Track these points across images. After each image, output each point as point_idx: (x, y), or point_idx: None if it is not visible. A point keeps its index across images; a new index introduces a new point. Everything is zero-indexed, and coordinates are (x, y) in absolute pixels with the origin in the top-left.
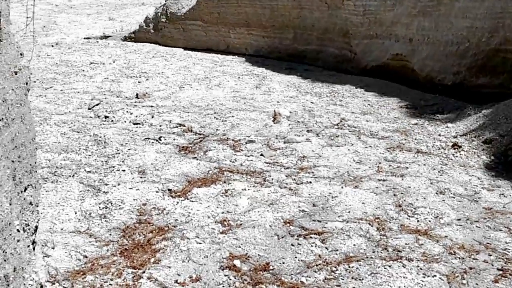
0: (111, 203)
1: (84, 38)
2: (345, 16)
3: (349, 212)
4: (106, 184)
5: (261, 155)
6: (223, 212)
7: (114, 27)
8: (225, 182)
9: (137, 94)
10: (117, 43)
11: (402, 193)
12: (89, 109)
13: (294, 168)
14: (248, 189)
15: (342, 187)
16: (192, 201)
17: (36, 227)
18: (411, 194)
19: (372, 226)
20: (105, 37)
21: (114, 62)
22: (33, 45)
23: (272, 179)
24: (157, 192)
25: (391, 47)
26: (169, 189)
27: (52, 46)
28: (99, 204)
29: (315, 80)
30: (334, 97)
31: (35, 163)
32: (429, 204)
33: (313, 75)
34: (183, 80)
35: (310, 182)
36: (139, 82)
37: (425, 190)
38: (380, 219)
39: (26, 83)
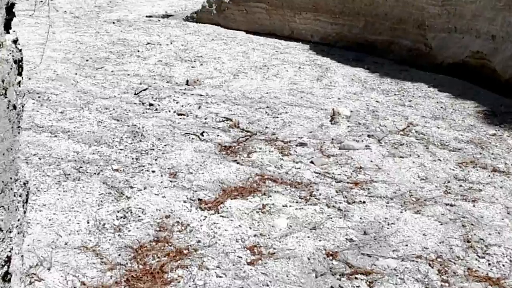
0: (131, 212)
1: (146, 16)
2: (422, 5)
3: (406, 245)
4: (131, 187)
5: (311, 162)
6: (255, 235)
7: (180, 5)
8: (264, 194)
9: (187, 81)
10: (178, 23)
11: (472, 224)
12: (135, 94)
13: (347, 182)
14: (290, 206)
15: (401, 211)
16: (223, 217)
17: (8, 257)
18: (483, 226)
19: (432, 267)
20: (167, 16)
21: (171, 43)
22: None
23: (320, 195)
24: (185, 202)
25: (471, 43)
26: (199, 199)
27: (113, 23)
28: (117, 212)
29: (383, 75)
30: (403, 96)
31: (12, 178)
32: (504, 241)
33: (381, 69)
34: (239, 67)
35: (364, 202)
36: (192, 67)
37: (500, 222)
38: (443, 259)
39: (2, 81)
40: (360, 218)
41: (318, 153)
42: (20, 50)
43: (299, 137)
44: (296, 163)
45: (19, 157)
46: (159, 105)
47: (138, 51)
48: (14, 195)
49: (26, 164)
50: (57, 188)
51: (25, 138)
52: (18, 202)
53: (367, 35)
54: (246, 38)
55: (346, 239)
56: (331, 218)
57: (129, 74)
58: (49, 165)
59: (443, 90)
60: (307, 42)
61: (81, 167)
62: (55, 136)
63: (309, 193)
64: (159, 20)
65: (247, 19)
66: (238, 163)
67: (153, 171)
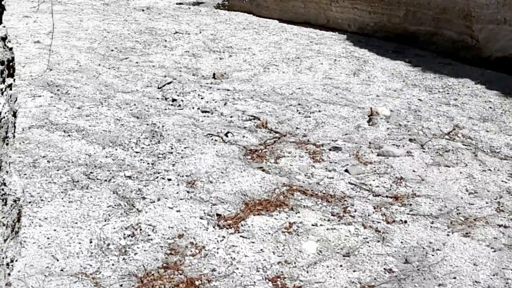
0: (140, 230)
1: (177, 4)
2: None
3: (454, 278)
4: (144, 198)
5: (346, 171)
6: (279, 262)
7: None
8: (292, 210)
9: (214, 74)
10: (209, 10)
11: None
12: (158, 88)
13: (387, 196)
14: (320, 225)
15: (448, 234)
16: (243, 237)
17: None
18: None
19: None
20: (198, 3)
21: (200, 32)
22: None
23: (355, 211)
24: (201, 218)
25: None
26: (217, 214)
27: (143, 10)
28: (125, 229)
29: (426, 70)
30: (447, 94)
31: None
32: None
33: (424, 63)
34: (270, 59)
35: (405, 222)
36: (220, 58)
37: None
38: None
39: None
40: (401, 242)
41: (353, 160)
42: (11, 49)
43: (333, 140)
44: (329, 171)
45: (7, 172)
46: (182, 100)
47: (165, 40)
48: None
49: (34, 167)
50: (62, 198)
51: (36, 138)
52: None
53: (408, 25)
54: (279, 27)
55: (385, 269)
56: (368, 242)
57: (154, 65)
58: (57, 170)
59: (491, 87)
60: (344, 32)
61: (91, 172)
62: (69, 135)
63: (343, 209)
64: (189, 8)
65: (280, 7)
66: (264, 170)
67: (169, 179)
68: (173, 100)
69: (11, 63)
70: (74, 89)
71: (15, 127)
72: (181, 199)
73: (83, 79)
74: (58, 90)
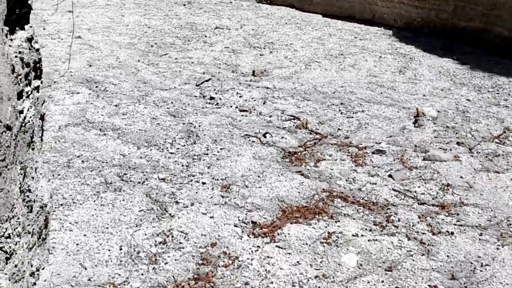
0: (172, 237)
1: None
2: None
3: None
4: (177, 202)
5: (390, 176)
6: (316, 276)
7: None
8: (332, 218)
9: (253, 71)
10: (251, 4)
11: None
12: (196, 85)
13: (432, 205)
14: (362, 235)
15: (497, 247)
16: (279, 248)
17: None
18: None
19: None
20: None
21: (241, 27)
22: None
23: (399, 221)
24: (235, 226)
25: None
26: (253, 222)
27: (184, 5)
28: (157, 235)
29: (474, 68)
30: (497, 94)
31: (5, 216)
32: None
33: (473, 61)
34: (312, 55)
35: (452, 233)
36: (261, 55)
37: None
38: None
39: None
40: (447, 256)
41: (398, 164)
42: (38, 50)
43: (376, 143)
44: (372, 176)
45: (32, 177)
46: (220, 99)
47: (205, 36)
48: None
49: (68, 167)
50: (94, 201)
51: (72, 136)
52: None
53: (456, 21)
54: (322, 22)
55: (429, 286)
56: (412, 255)
57: (193, 62)
58: (91, 171)
59: None
60: (390, 28)
61: (125, 174)
62: (104, 134)
63: (386, 218)
64: (231, 2)
65: (324, 1)
66: (302, 174)
67: (204, 183)
68: (211, 98)
69: (38, 65)
70: (112, 86)
71: (43, 130)
72: (215, 204)
73: (122, 75)
74: (96, 86)
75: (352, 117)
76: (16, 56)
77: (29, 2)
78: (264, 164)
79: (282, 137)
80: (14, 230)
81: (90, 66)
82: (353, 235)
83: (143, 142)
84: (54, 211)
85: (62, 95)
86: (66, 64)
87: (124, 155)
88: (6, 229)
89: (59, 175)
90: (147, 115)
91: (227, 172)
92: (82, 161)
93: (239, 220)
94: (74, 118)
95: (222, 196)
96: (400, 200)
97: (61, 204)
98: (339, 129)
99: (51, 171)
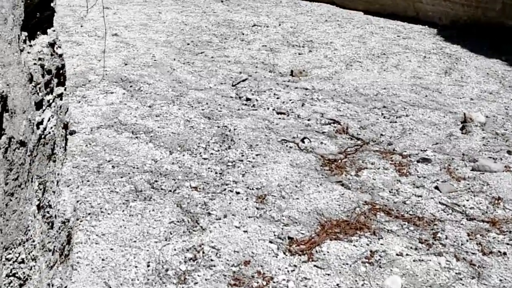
0: (203, 252)
1: None
2: None
3: None
4: (209, 214)
5: (436, 188)
6: None
7: None
8: (374, 234)
9: (292, 71)
10: (290, 1)
11: None
12: (232, 85)
13: (483, 220)
14: (407, 255)
15: None
16: (317, 268)
17: None
18: None
19: None
20: None
21: (279, 25)
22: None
23: (446, 238)
24: (271, 242)
25: None
26: (289, 237)
27: (222, 1)
28: (187, 251)
29: None
30: None
31: (18, 240)
32: None
33: None
34: (353, 55)
35: (504, 254)
36: (299, 54)
37: None
38: None
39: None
40: (500, 280)
41: (444, 175)
42: (61, 55)
43: (421, 150)
44: (417, 187)
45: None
46: (257, 100)
47: (243, 34)
48: (20, 262)
49: (98, 173)
50: (123, 211)
51: (103, 139)
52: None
53: (505, 19)
54: (364, 20)
55: None
56: (461, 278)
57: (230, 61)
58: (121, 177)
59: None
60: (434, 26)
61: (156, 181)
62: (136, 137)
63: (432, 235)
64: None
65: None
66: (343, 185)
67: (238, 192)
68: (247, 99)
69: (61, 71)
70: (147, 85)
71: (66, 139)
72: (249, 217)
73: (157, 74)
74: (131, 86)
75: (395, 122)
76: (35, 64)
77: (52, 4)
78: (302, 173)
79: (321, 143)
80: (29, 254)
81: (126, 64)
82: (397, 254)
83: (175, 146)
84: (81, 221)
85: (96, 95)
86: (102, 62)
87: (155, 160)
88: (20, 253)
89: (88, 181)
90: (180, 117)
91: (263, 181)
92: (112, 166)
93: (274, 235)
94: (107, 120)
95: (257, 208)
96: (447, 215)
97: (89, 214)
98: (381, 134)
99: (80, 177)
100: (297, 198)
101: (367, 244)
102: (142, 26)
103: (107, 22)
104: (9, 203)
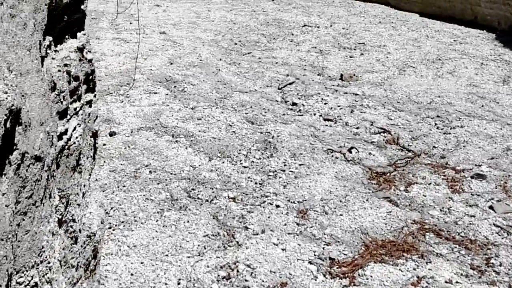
0: (237, 271)
1: None
2: None
3: None
4: (246, 228)
5: (491, 207)
6: None
7: None
8: (422, 257)
9: (341, 75)
10: (343, 1)
11: None
12: (279, 89)
13: None
14: (456, 283)
15: None
16: None
17: None
18: None
19: None
20: None
21: (331, 26)
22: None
23: (500, 265)
24: (310, 263)
25: None
26: (330, 258)
27: (272, 0)
28: (221, 268)
29: None
30: None
31: (31, 262)
32: None
33: None
34: (406, 59)
35: None
36: (350, 57)
37: None
38: None
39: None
40: None
41: (500, 193)
42: (90, 61)
43: (476, 165)
44: (470, 206)
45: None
46: (303, 105)
47: (292, 34)
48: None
49: (135, 178)
50: (156, 221)
51: (143, 142)
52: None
53: None
54: (419, 22)
55: None
56: None
57: (277, 62)
58: (158, 183)
59: None
60: (493, 31)
61: (193, 189)
62: (176, 141)
63: (485, 261)
64: None
65: None
66: (391, 201)
67: (277, 206)
68: (293, 104)
69: (90, 77)
70: (191, 86)
71: (95, 148)
72: (289, 233)
73: (202, 75)
74: (174, 86)
75: (449, 133)
76: (59, 70)
77: (82, 7)
78: (348, 186)
79: (370, 153)
80: (43, 276)
81: (171, 64)
82: (446, 282)
83: (215, 152)
84: (113, 230)
85: (140, 94)
86: (148, 61)
87: (194, 167)
88: (32, 276)
89: (124, 186)
90: (222, 121)
91: (305, 194)
92: (149, 171)
93: (315, 255)
94: (148, 121)
95: (298, 224)
96: (502, 238)
97: (122, 222)
98: (434, 146)
99: (117, 181)
100: (341, 215)
101: (414, 269)
102: (191, 24)
103: (156, 19)
104: (21, 223)
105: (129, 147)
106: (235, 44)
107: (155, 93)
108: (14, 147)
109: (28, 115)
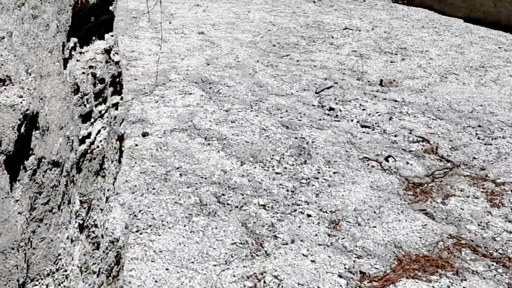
0: (264, 282)
1: None
2: None
3: None
4: (275, 237)
5: None
6: None
7: None
8: (457, 274)
9: (381, 80)
10: (385, 4)
11: None
12: (316, 93)
13: None
14: None
15: None
16: None
17: None
18: None
19: None
20: None
21: (372, 29)
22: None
23: None
24: (340, 276)
25: None
26: (361, 272)
27: (314, 2)
28: (247, 278)
29: None
30: None
31: (46, 270)
32: None
33: None
34: (449, 66)
35: None
36: (391, 62)
37: None
38: None
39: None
40: None
41: None
42: (117, 63)
43: None
44: (509, 221)
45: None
46: (340, 110)
47: (332, 37)
48: None
49: (165, 180)
50: (184, 226)
51: (175, 144)
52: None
53: None
54: (463, 28)
55: None
56: None
57: (316, 65)
58: (188, 187)
59: None
60: None
61: (223, 194)
62: (208, 144)
63: None
64: (364, 0)
65: (467, 4)
66: (427, 213)
67: (309, 215)
68: (330, 109)
69: (117, 79)
70: (226, 88)
71: (121, 152)
72: (319, 244)
73: (238, 76)
74: (210, 88)
75: (490, 144)
76: (84, 73)
77: (111, 8)
78: (383, 197)
79: (407, 163)
80: (59, 285)
81: (208, 64)
82: None
83: (248, 157)
84: (140, 233)
85: (175, 95)
86: (185, 61)
87: (225, 171)
88: (47, 285)
89: (153, 189)
90: (256, 124)
91: (338, 204)
92: (180, 174)
93: (345, 268)
94: (182, 123)
95: (329, 235)
96: None
97: (150, 226)
98: (474, 157)
99: (147, 183)
100: (374, 227)
101: (448, 286)
102: (229, 25)
103: (195, 19)
104: (37, 230)
105: (160, 148)
106: (274, 46)
107: (190, 94)
108: (30, 152)
109: (47, 119)
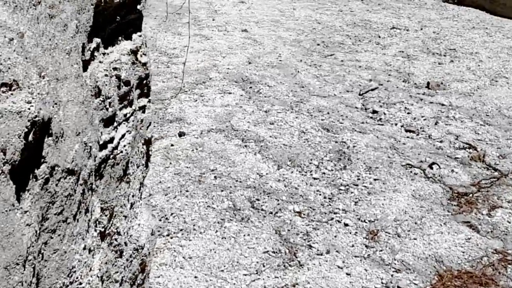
0: None
1: None
2: None
3: None
4: (310, 247)
5: None
6: None
7: None
8: None
9: (428, 83)
10: (435, 3)
11: None
12: (359, 94)
13: None
14: None
15: None
16: None
17: None
18: None
19: None
20: None
21: (421, 29)
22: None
23: None
24: None
25: None
26: (398, 287)
27: (361, 0)
28: None
29: None
30: None
31: (59, 283)
32: None
33: None
34: (499, 69)
35: None
36: (439, 63)
37: None
38: None
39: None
40: None
41: None
42: (145, 64)
43: None
44: None
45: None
46: (384, 113)
47: (379, 36)
48: None
49: (199, 183)
50: (216, 231)
51: (211, 145)
52: None
53: None
54: None
55: None
56: None
57: (361, 66)
58: (222, 190)
59: None
60: None
61: (257, 199)
62: (245, 146)
63: None
64: None
65: None
66: (471, 226)
67: (346, 224)
68: (374, 111)
69: (144, 81)
70: (267, 87)
71: (148, 156)
72: (355, 256)
73: (280, 76)
74: (250, 87)
75: None
76: (106, 75)
77: (139, 7)
78: (425, 207)
79: (452, 171)
80: None
81: (250, 63)
82: None
83: (285, 161)
84: (171, 237)
85: (214, 94)
86: (226, 59)
87: (261, 175)
88: None
89: (187, 191)
90: (296, 126)
91: (377, 213)
92: (214, 176)
93: (382, 283)
94: (219, 123)
95: (366, 246)
96: None
97: (181, 230)
98: None
99: (180, 185)
100: (415, 239)
101: None
102: (273, 22)
103: (239, 16)
104: (49, 241)
105: (196, 149)
106: (318, 45)
107: (230, 93)
108: (42, 160)
109: (61, 124)
